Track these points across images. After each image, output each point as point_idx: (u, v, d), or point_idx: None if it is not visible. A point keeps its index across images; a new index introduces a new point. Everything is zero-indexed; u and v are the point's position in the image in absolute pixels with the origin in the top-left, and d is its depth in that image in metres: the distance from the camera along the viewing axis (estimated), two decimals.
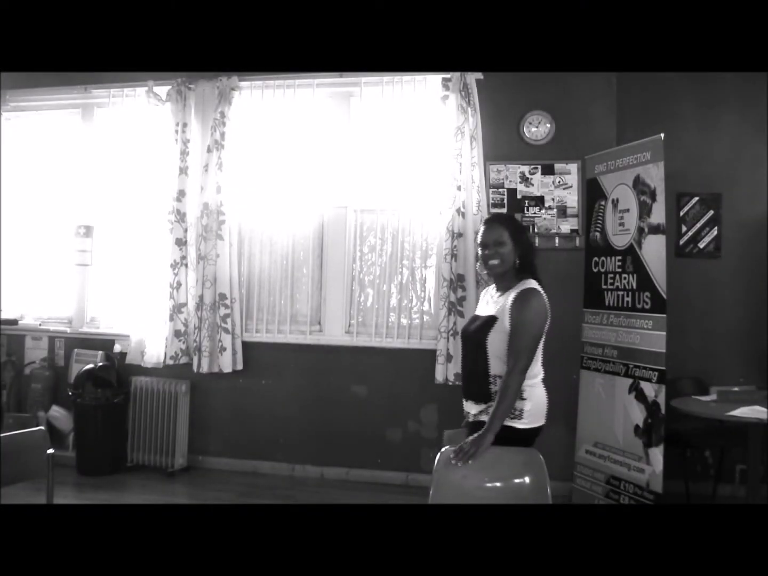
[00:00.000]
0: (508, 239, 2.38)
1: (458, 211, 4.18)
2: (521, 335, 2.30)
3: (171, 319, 4.56)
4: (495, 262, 2.38)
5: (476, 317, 2.48)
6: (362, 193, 4.54)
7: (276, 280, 4.68)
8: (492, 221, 2.50)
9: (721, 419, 3.34)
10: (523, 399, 2.31)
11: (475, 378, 2.38)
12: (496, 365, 2.33)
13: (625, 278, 3.67)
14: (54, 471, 2.33)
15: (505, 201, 4.30)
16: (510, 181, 4.30)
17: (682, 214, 4.25)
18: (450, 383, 4.08)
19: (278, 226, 4.66)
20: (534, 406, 2.33)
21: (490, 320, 2.36)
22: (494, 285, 2.51)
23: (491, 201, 4.30)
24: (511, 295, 2.34)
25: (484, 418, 2.31)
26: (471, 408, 2.42)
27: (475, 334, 2.38)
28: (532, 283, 2.37)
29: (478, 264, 2.45)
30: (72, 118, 5.08)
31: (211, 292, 4.49)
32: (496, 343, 2.32)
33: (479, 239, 2.44)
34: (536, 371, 2.38)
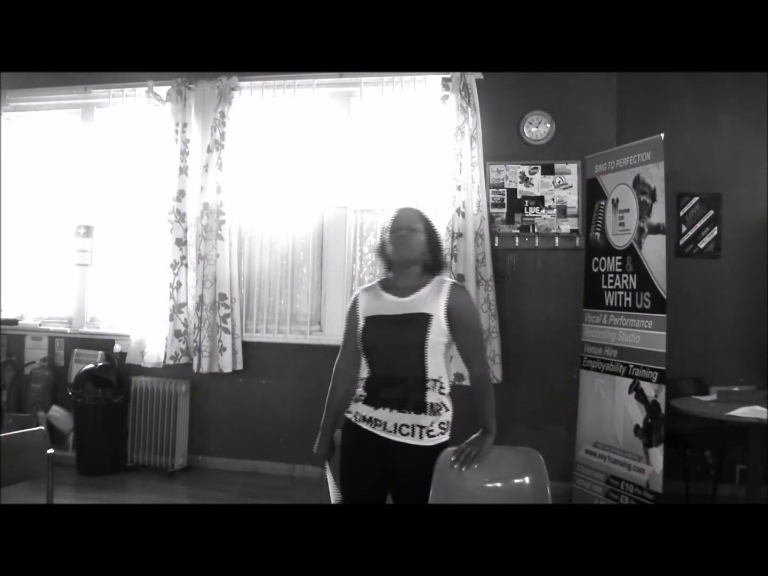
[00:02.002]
0: (422, 229, 2.20)
1: (458, 211, 4.18)
2: (477, 328, 2.26)
3: (171, 319, 4.56)
4: (404, 246, 2.16)
5: (384, 317, 2.18)
6: (362, 193, 4.54)
7: (276, 280, 4.68)
8: (406, 207, 2.28)
9: (721, 419, 3.34)
10: (448, 410, 2.16)
11: (403, 384, 2.12)
12: (434, 367, 2.13)
13: (625, 278, 3.67)
14: (54, 471, 2.33)
15: (505, 201, 4.30)
16: (510, 181, 4.30)
17: (682, 214, 4.26)
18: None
19: (278, 226, 4.66)
20: (452, 417, 2.18)
21: (425, 317, 2.12)
22: (380, 284, 2.27)
23: (491, 201, 4.30)
24: (444, 288, 2.16)
25: (410, 439, 2.10)
26: (388, 416, 2.13)
27: (410, 336, 2.13)
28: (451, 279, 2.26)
29: (390, 249, 2.18)
30: (72, 118, 5.08)
31: (211, 292, 4.49)
32: (432, 343, 2.12)
33: (390, 225, 2.22)
34: (452, 379, 2.23)
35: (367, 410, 2.17)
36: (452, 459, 2.09)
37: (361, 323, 2.22)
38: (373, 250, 2.41)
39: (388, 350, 2.16)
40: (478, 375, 2.22)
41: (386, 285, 2.26)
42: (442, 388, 2.16)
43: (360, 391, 2.22)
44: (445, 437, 2.16)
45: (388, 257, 2.24)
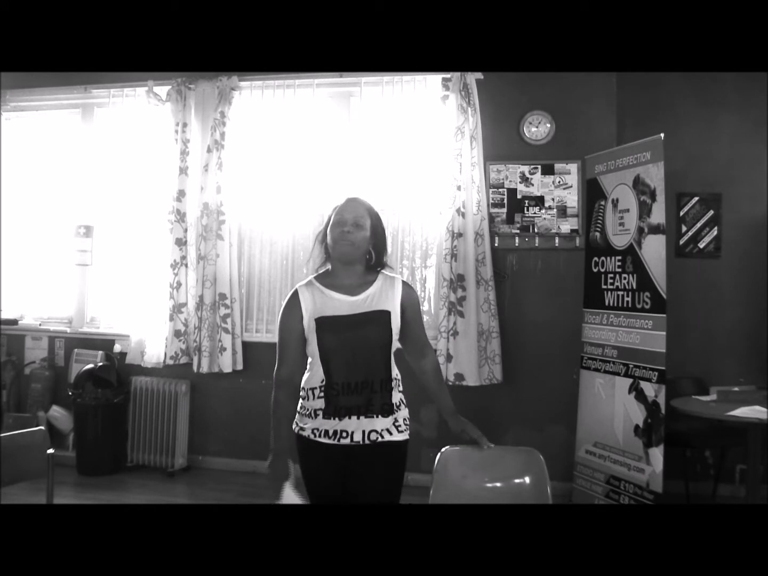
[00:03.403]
0: (368, 226, 2.10)
1: (458, 211, 4.18)
2: (422, 322, 2.27)
3: (171, 319, 4.56)
4: (348, 244, 2.05)
5: (341, 318, 2.03)
6: (362, 192, 4.52)
7: (276, 280, 4.68)
8: (354, 199, 2.20)
9: (721, 419, 3.34)
10: (406, 407, 2.13)
11: (368, 387, 2.02)
12: (393, 366, 2.09)
13: (625, 278, 3.67)
14: (54, 471, 2.34)
15: (505, 201, 4.31)
16: (510, 181, 4.30)
17: (682, 214, 4.26)
18: (450, 383, 4.08)
19: (278, 226, 4.66)
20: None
21: (385, 315, 2.05)
22: (319, 281, 2.12)
23: (491, 201, 4.30)
24: (397, 285, 2.11)
25: (390, 436, 2.06)
26: (355, 425, 2.03)
27: (375, 335, 2.04)
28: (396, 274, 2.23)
29: (332, 244, 2.08)
30: (72, 118, 5.08)
31: (211, 292, 4.49)
32: (393, 341, 2.08)
33: (335, 216, 2.11)
34: None
35: (330, 424, 2.04)
36: (484, 446, 2.17)
37: (312, 325, 2.04)
38: (314, 238, 2.22)
39: (352, 353, 2.02)
40: (435, 364, 2.29)
41: (328, 282, 2.10)
42: (399, 385, 2.13)
43: (313, 402, 2.07)
44: (405, 435, 2.11)
45: (328, 250, 2.13)
